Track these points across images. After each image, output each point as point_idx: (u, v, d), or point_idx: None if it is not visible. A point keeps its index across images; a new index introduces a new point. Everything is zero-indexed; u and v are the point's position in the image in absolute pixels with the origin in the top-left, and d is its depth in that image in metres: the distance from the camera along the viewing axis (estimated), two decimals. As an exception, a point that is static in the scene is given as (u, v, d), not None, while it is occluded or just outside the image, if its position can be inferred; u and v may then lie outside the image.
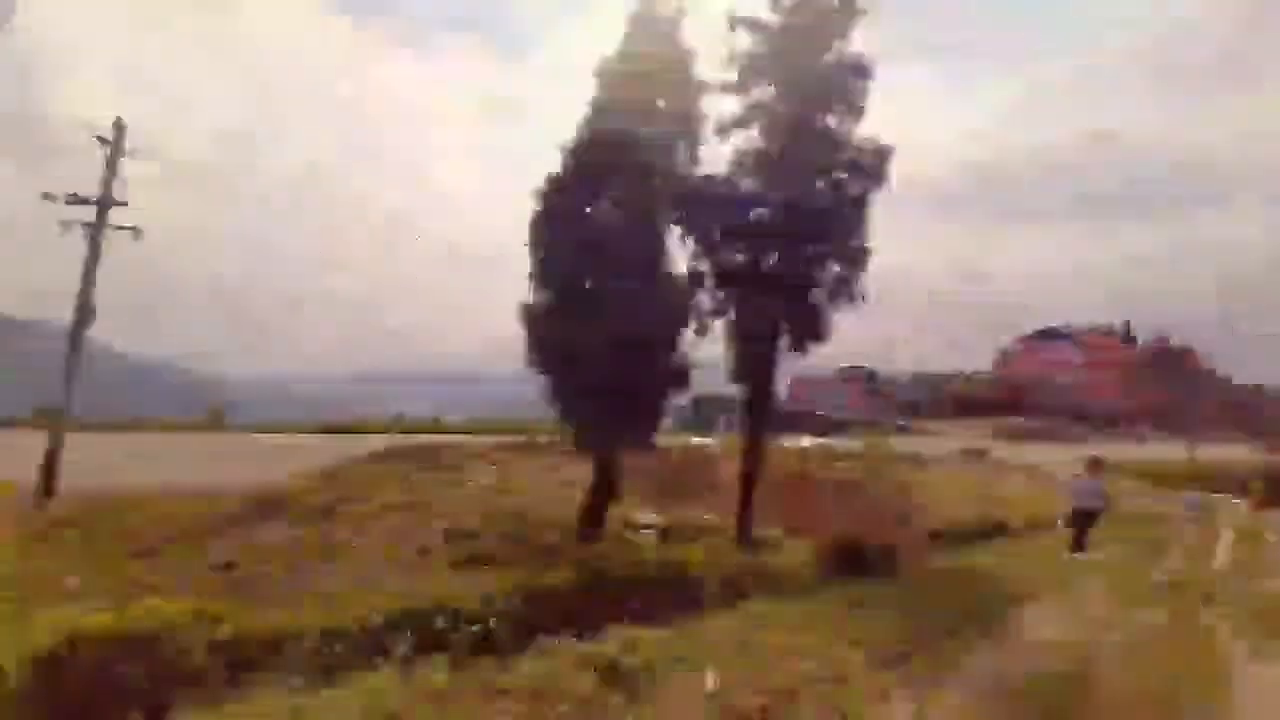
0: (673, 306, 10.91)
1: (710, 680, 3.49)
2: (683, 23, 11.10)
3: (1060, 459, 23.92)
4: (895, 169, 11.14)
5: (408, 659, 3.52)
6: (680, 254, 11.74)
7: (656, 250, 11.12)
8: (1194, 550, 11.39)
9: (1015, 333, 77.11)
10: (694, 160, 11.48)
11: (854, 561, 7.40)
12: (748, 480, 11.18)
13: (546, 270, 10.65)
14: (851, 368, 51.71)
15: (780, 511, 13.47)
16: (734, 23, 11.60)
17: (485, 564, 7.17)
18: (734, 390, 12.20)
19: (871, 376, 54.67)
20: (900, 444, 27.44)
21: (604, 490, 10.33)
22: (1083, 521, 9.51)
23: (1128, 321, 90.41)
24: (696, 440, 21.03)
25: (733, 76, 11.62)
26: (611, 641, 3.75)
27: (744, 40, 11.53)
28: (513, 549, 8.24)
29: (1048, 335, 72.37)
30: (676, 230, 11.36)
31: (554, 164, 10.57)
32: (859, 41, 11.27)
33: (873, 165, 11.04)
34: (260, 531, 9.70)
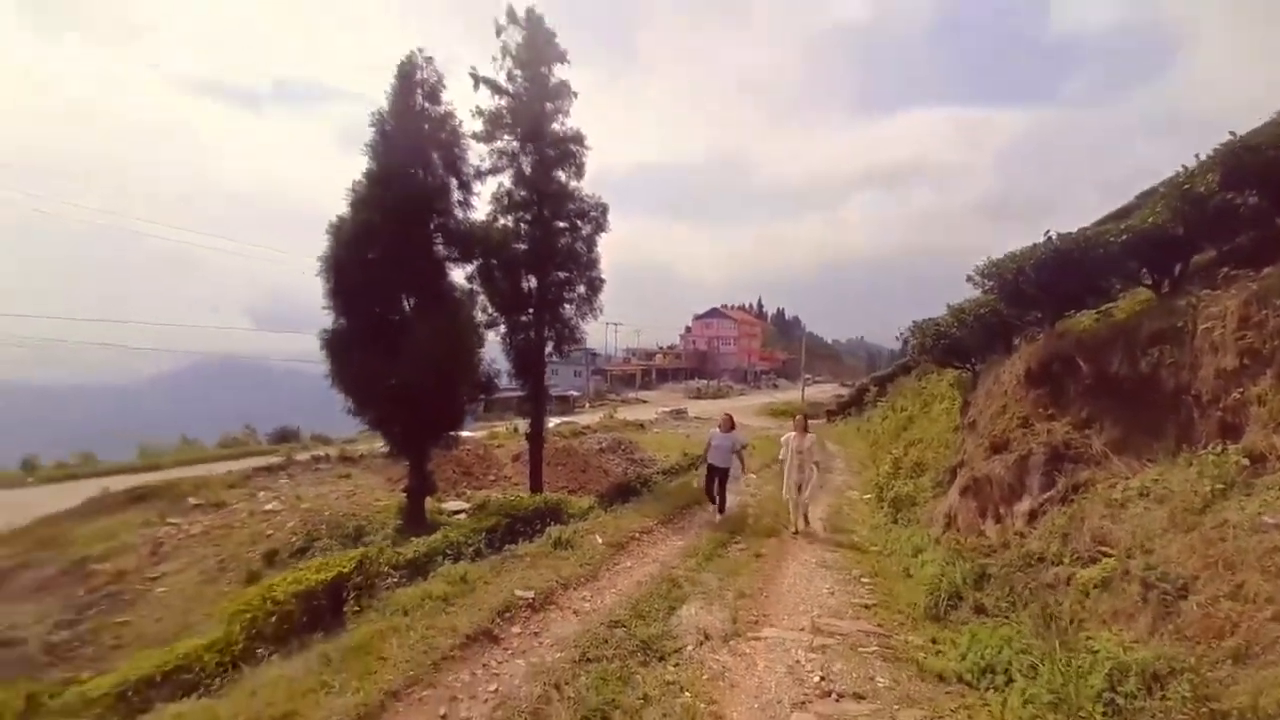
0: (461, 325, 12.79)
1: (599, 538, 6.78)
2: (441, 84, 12.85)
3: (727, 407, 33.99)
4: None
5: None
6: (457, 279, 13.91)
7: (438, 278, 12.94)
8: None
9: (693, 312, 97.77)
10: (467, 202, 13.59)
11: (623, 493, 11.36)
12: (536, 455, 14.24)
13: (340, 300, 11.57)
14: (576, 350, 58.55)
15: (555, 477, 16.97)
16: (478, 80, 14.21)
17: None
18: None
19: (594, 357, 62.88)
20: (625, 413, 34.05)
21: (421, 487, 12.02)
22: (719, 477, 9.07)
23: (760, 298, 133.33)
24: (464, 434, 22.76)
25: (480, 128, 14.21)
26: (551, 533, 6.63)
27: (487, 98, 14.21)
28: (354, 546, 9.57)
29: (712, 314, 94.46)
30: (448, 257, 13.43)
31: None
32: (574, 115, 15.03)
33: (596, 216, 15.02)
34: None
